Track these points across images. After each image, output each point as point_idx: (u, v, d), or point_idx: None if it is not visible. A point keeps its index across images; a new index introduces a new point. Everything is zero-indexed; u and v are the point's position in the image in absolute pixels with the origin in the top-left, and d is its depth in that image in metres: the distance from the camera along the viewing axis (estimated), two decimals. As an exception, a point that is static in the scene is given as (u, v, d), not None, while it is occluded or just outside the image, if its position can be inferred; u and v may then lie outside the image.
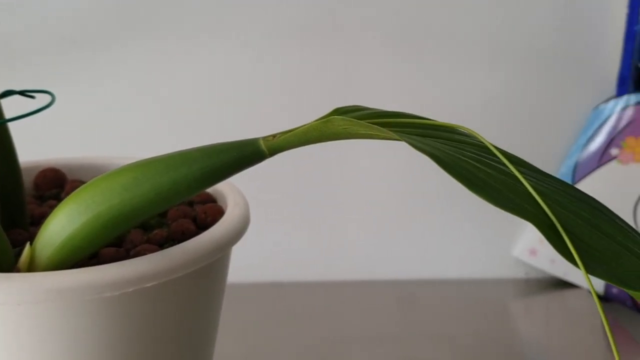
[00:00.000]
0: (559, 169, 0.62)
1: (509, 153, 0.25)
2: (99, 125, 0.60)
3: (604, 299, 0.63)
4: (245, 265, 0.63)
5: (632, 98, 0.59)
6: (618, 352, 0.22)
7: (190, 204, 0.34)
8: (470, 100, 0.61)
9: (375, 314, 0.57)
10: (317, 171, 0.62)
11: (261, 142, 0.25)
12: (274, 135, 0.25)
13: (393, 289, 0.62)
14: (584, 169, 0.60)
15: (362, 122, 0.23)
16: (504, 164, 0.24)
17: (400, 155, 0.62)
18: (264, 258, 0.63)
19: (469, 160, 0.23)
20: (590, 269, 0.21)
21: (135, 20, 0.58)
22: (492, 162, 0.24)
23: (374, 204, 0.63)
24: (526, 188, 0.23)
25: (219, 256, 0.28)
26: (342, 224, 0.63)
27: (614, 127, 0.59)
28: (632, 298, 0.62)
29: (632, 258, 0.22)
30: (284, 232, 0.63)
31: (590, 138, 0.60)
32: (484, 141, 0.24)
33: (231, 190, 0.34)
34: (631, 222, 0.61)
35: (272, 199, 0.62)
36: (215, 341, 0.34)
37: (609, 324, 0.20)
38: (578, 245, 0.21)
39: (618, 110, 0.59)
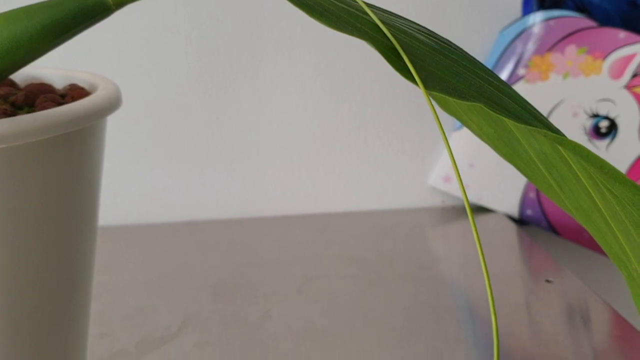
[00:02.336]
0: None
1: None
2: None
3: (519, 222, 0.64)
4: (160, 205, 0.62)
5: (537, 16, 0.59)
6: (486, 265, 0.22)
7: (63, 97, 0.33)
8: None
9: (291, 244, 0.57)
10: (230, 108, 0.61)
11: (105, -8, 0.24)
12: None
13: (309, 222, 0.62)
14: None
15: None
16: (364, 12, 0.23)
17: (313, 89, 0.61)
18: (178, 198, 0.62)
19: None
20: (429, 86, 0.20)
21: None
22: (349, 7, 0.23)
23: (288, 139, 0.62)
24: (373, 20, 0.22)
25: (75, 129, 0.27)
26: (256, 161, 0.62)
27: (520, 47, 0.60)
28: (546, 220, 0.62)
29: (474, 78, 0.22)
30: (198, 170, 0.62)
31: (498, 60, 0.60)
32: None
33: (105, 82, 0.33)
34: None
35: (185, 138, 0.61)
36: (95, 240, 0.33)
37: (477, 233, 0.20)
38: (418, 64, 0.21)
39: (523, 30, 0.59)
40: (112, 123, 0.59)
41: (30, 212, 0.26)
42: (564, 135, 0.20)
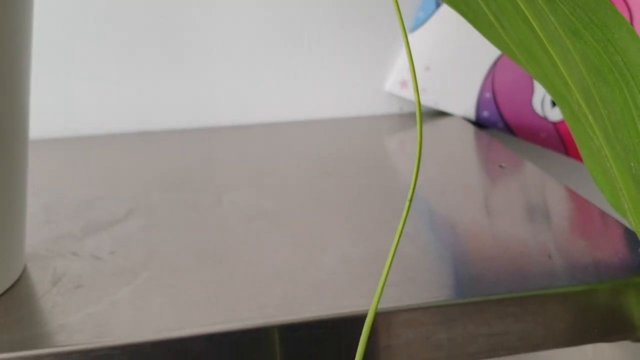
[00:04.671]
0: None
1: None
2: None
3: (476, 124, 0.63)
4: (110, 114, 0.60)
5: None
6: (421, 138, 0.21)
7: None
8: None
9: (244, 148, 0.56)
10: (181, 15, 0.59)
11: None
12: None
13: (262, 130, 0.61)
14: None
15: None
16: None
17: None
18: (129, 107, 0.60)
19: None
20: None
21: None
22: None
23: (242, 46, 0.61)
24: None
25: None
26: (210, 68, 0.61)
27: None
28: (503, 120, 0.62)
29: None
30: (150, 78, 0.60)
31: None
32: None
33: None
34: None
35: (135, 46, 0.59)
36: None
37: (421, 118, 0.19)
38: None
39: None
40: (61, 31, 0.57)
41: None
42: None
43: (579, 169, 0.63)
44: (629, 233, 0.38)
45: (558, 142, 0.62)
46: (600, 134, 0.27)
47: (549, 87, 0.31)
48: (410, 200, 0.24)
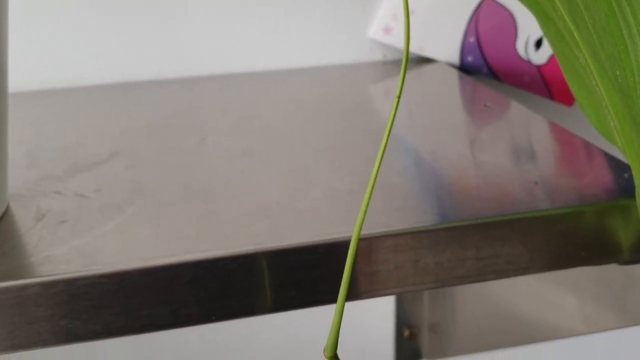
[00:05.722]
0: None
1: None
2: None
3: (460, 69, 0.63)
4: (90, 66, 0.60)
5: None
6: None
7: None
8: None
9: (226, 96, 0.56)
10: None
11: None
12: None
13: (248, 79, 0.60)
14: None
15: None
16: None
17: None
18: (109, 58, 0.60)
19: None
20: None
21: None
22: None
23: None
24: None
25: None
26: (191, 18, 0.60)
27: None
28: (487, 65, 0.62)
29: None
30: (130, 30, 0.59)
31: None
32: None
33: None
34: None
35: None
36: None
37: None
38: None
39: None
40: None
41: None
42: None
43: (563, 113, 0.63)
44: (614, 161, 0.38)
45: (542, 85, 0.62)
46: (586, 47, 0.27)
47: (532, 5, 0.31)
48: (398, 98, 0.24)
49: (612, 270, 0.37)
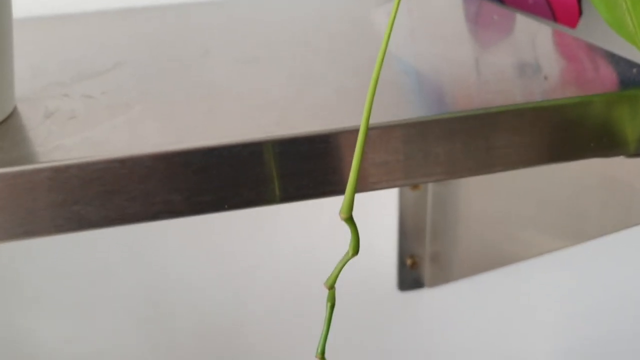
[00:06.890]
0: None
1: None
2: None
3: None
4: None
5: None
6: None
7: None
8: None
9: (229, 18, 0.55)
10: None
11: None
12: None
13: (249, 3, 0.60)
14: None
15: None
16: None
17: None
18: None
19: None
20: None
21: None
22: None
23: None
24: None
25: None
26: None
27: None
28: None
29: None
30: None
31: None
32: None
33: None
34: None
35: None
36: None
37: None
38: None
39: None
40: None
41: None
42: None
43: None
44: (622, 60, 0.38)
45: (545, 7, 0.61)
46: None
47: None
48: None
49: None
